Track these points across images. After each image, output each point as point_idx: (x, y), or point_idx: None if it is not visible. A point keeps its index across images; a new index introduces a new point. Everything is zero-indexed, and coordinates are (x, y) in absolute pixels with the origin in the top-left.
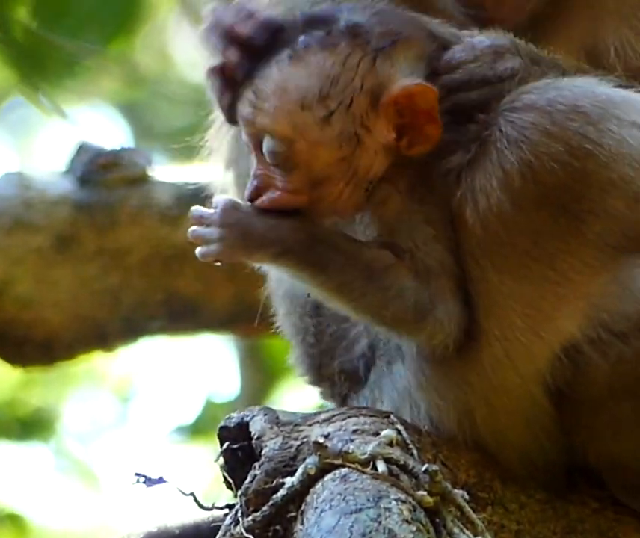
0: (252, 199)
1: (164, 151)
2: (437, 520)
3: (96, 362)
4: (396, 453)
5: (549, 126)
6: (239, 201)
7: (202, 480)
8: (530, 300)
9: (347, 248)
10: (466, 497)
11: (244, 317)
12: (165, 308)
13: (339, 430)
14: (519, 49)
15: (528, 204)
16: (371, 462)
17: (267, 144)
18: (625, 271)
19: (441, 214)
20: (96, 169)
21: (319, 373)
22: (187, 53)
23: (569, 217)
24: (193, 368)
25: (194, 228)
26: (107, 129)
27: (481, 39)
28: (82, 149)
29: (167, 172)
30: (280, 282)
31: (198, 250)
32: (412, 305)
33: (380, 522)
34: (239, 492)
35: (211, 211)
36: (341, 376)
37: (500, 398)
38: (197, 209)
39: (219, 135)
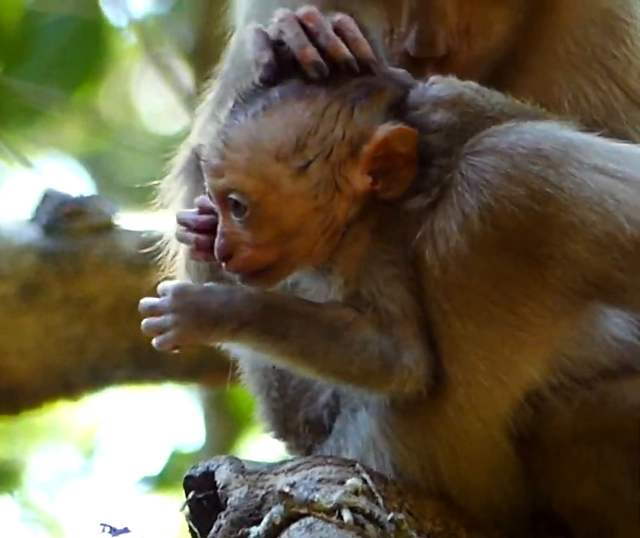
0: (223, 260)
1: (128, 200)
2: None
3: (61, 413)
4: (362, 501)
5: (510, 170)
6: (189, 283)
7: (168, 531)
8: (492, 345)
9: (305, 311)
10: None
11: (209, 367)
12: (131, 358)
13: (305, 478)
14: (466, 106)
15: (488, 248)
16: (337, 511)
17: (235, 199)
18: (586, 316)
19: (404, 256)
20: (62, 217)
21: (284, 427)
22: (150, 103)
23: (530, 261)
24: (158, 418)
25: (146, 320)
26: (71, 179)
27: (430, 87)
28: (47, 197)
29: (132, 220)
30: None
31: (154, 341)
32: (377, 356)
33: None
34: None
35: (161, 298)
36: (305, 428)
37: (463, 445)
38: (145, 301)
39: (174, 187)
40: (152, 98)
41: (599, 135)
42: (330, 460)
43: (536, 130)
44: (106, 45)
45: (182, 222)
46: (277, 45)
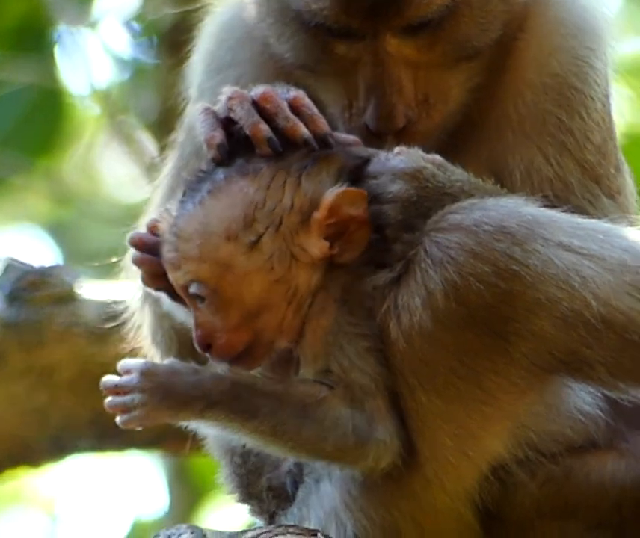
0: (204, 350)
1: (92, 270)
2: None
3: (24, 481)
4: None
5: (474, 247)
6: (154, 362)
7: None
8: (458, 419)
9: (274, 389)
10: None
11: (172, 435)
12: (93, 427)
13: None
14: (425, 180)
15: (453, 323)
16: None
17: (194, 288)
18: (552, 391)
19: (371, 328)
20: (25, 286)
21: (247, 492)
22: (114, 172)
23: (495, 337)
24: (121, 486)
25: (111, 398)
26: (34, 248)
27: (391, 158)
28: (10, 267)
29: (94, 290)
30: None
31: (119, 419)
32: (350, 432)
33: None
34: None
35: (126, 377)
36: (269, 494)
37: (428, 519)
38: (109, 379)
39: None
40: (116, 166)
41: (562, 210)
42: (291, 529)
43: (500, 206)
44: (68, 113)
45: (134, 242)
46: (226, 123)
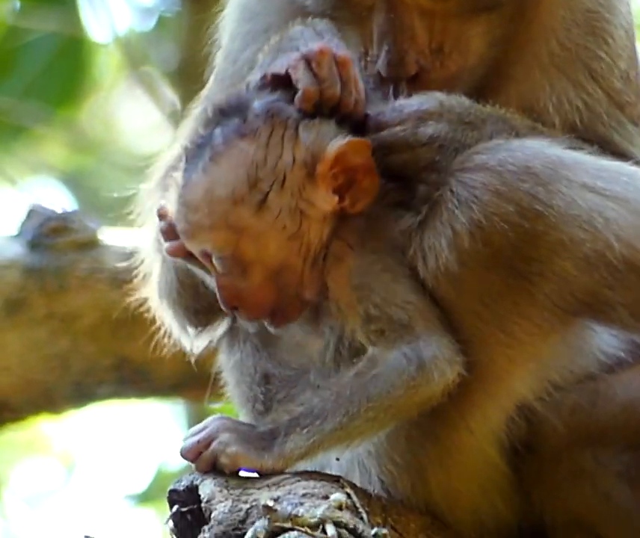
0: (232, 309)
1: (112, 218)
2: None
3: (44, 428)
4: (346, 516)
5: (499, 186)
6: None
7: None
8: (482, 363)
9: (324, 388)
10: None
11: (194, 382)
12: (115, 373)
13: (289, 493)
14: (448, 113)
15: (478, 265)
16: (321, 526)
17: (213, 255)
18: (575, 332)
19: (396, 259)
20: (47, 233)
21: None
22: (134, 120)
23: (519, 278)
24: (144, 434)
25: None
26: (54, 195)
27: (408, 102)
28: (32, 213)
29: (116, 236)
30: (229, 354)
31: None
32: (406, 365)
33: None
34: None
35: (203, 433)
36: None
37: (455, 461)
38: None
39: (150, 200)
40: (136, 115)
41: (588, 152)
42: (313, 475)
43: (525, 147)
44: (90, 62)
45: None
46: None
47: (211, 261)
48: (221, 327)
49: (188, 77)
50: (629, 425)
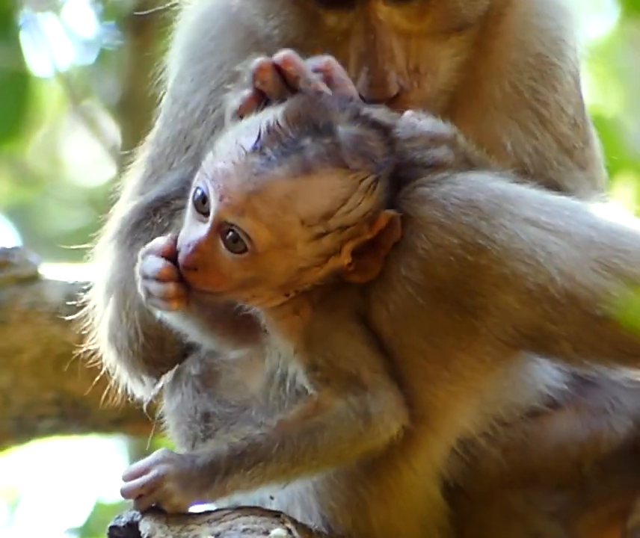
0: (188, 267)
1: (55, 252)
2: None
3: None
4: None
5: (443, 220)
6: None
7: None
8: (425, 401)
9: (271, 427)
10: None
11: (135, 418)
12: (56, 408)
13: (229, 529)
14: (457, 146)
15: (424, 299)
16: None
17: (237, 237)
18: (518, 365)
19: (351, 314)
20: None
21: None
22: (77, 155)
23: (462, 312)
24: (83, 469)
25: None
26: None
27: (422, 122)
28: None
29: (58, 271)
30: (171, 398)
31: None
32: (355, 418)
33: None
34: None
35: (147, 476)
36: None
37: (397, 499)
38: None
39: (106, 251)
40: (79, 149)
41: (532, 186)
42: (254, 510)
43: (469, 180)
44: (32, 96)
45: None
46: (259, 96)
47: (218, 229)
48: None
49: (130, 111)
50: (560, 467)
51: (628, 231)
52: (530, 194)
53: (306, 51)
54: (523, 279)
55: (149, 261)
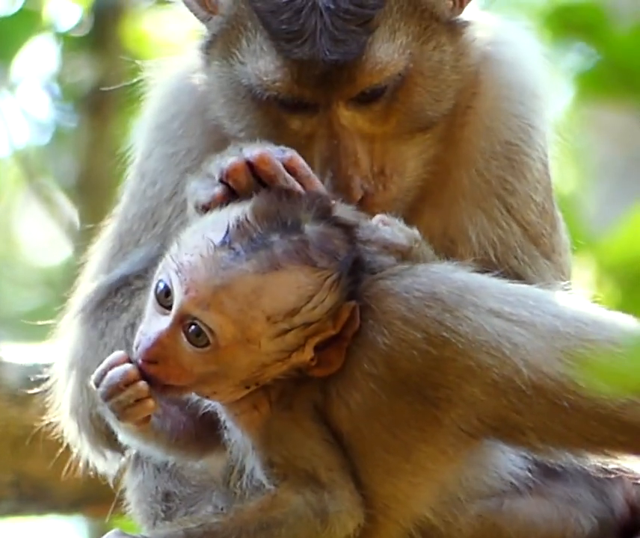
0: (148, 361)
1: (10, 333)
2: None
3: None
4: None
5: (406, 313)
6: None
7: None
8: (386, 492)
9: (228, 519)
10: None
11: (94, 499)
12: (14, 490)
13: None
14: (411, 254)
15: (387, 392)
16: None
17: (200, 331)
18: (481, 456)
19: (308, 412)
20: None
21: None
22: (33, 235)
23: (426, 404)
24: None
25: None
26: None
27: (384, 229)
28: None
29: (15, 352)
30: (133, 476)
31: None
32: (312, 516)
33: None
34: None
35: None
36: None
37: None
38: None
39: (70, 327)
40: (34, 229)
41: (493, 275)
42: None
43: (431, 272)
44: None
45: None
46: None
47: (181, 322)
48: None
49: (87, 190)
50: None
51: (592, 319)
52: (492, 284)
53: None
54: (489, 371)
55: (114, 373)
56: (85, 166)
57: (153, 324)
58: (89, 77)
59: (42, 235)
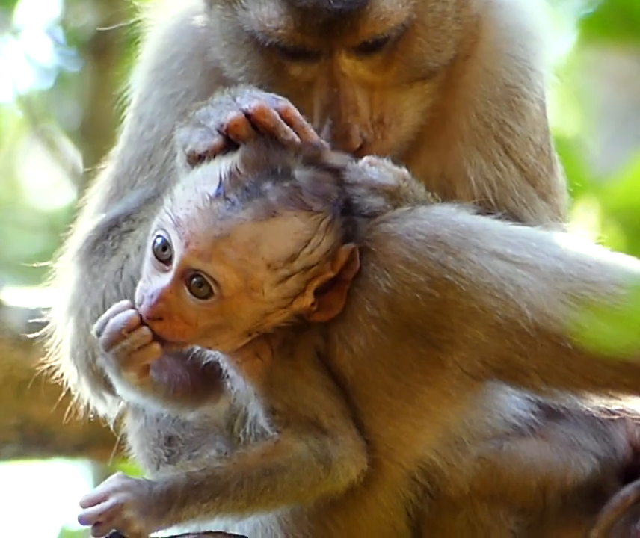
0: (152, 318)
1: (15, 276)
2: None
3: None
4: None
5: (409, 256)
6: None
7: None
8: (390, 436)
9: (232, 462)
10: None
11: (98, 442)
12: (19, 434)
13: None
14: (401, 198)
15: (390, 336)
16: None
17: (204, 282)
18: (485, 396)
19: (310, 359)
20: None
21: None
22: (36, 178)
23: (429, 346)
24: (48, 494)
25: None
26: None
27: (371, 169)
28: None
29: (19, 296)
30: (134, 420)
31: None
32: (315, 462)
33: None
34: None
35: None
36: None
37: (363, 531)
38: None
39: (68, 269)
40: (38, 173)
41: (495, 218)
42: (217, 536)
43: (433, 215)
44: None
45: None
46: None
47: (183, 276)
48: None
49: (90, 135)
50: (528, 488)
51: (595, 261)
52: (495, 227)
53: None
54: (492, 313)
55: (116, 319)
56: (88, 110)
57: (154, 281)
58: (92, 21)
59: (45, 179)
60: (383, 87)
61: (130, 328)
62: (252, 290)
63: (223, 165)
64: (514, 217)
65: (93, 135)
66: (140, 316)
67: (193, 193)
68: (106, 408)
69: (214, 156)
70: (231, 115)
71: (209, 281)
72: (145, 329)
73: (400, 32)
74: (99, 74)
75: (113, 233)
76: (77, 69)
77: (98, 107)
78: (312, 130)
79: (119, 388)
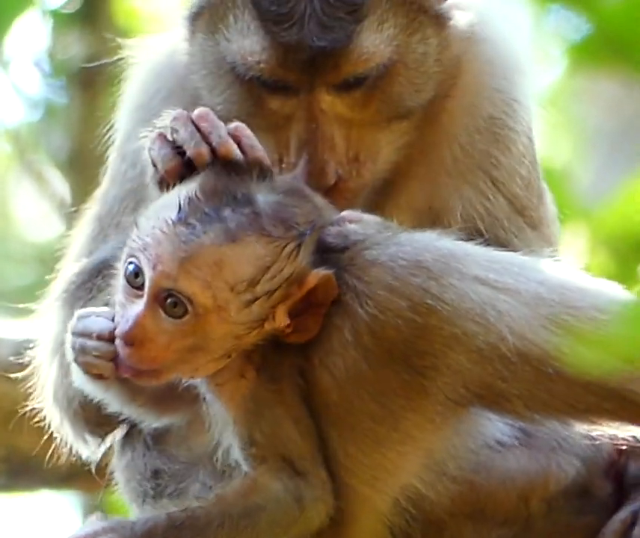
0: (126, 344)
1: (3, 309)
2: None
3: None
4: None
5: (391, 282)
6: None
7: None
8: (374, 462)
9: (211, 503)
10: None
11: (86, 473)
12: (5, 465)
13: None
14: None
15: (374, 361)
16: None
17: (178, 300)
18: (468, 422)
19: (292, 388)
20: None
21: None
22: (25, 211)
23: (412, 372)
24: (35, 526)
25: None
26: None
27: (351, 227)
28: None
29: (7, 328)
30: (121, 455)
31: None
32: (291, 501)
33: None
34: None
35: None
36: None
37: None
38: None
39: (51, 310)
40: (27, 205)
41: (477, 244)
42: None
43: (415, 241)
44: None
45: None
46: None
47: (156, 299)
48: (119, 432)
49: (79, 166)
50: (508, 499)
51: (577, 286)
52: (477, 252)
53: (252, 131)
54: (474, 339)
55: (94, 320)
56: (76, 142)
57: (128, 308)
58: (79, 53)
59: (34, 211)
60: (361, 124)
61: (100, 336)
62: (220, 309)
63: (182, 193)
64: (504, 247)
65: (81, 167)
66: (114, 335)
67: (156, 220)
68: (89, 450)
69: (174, 179)
70: (175, 112)
71: (183, 299)
72: (111, 347)
73: (381, 71)
74: (87, 105)
75: (104, 273)
76: (65, 101)
77: (86, 139)
78: (262, 150)
79: (74, 376)
